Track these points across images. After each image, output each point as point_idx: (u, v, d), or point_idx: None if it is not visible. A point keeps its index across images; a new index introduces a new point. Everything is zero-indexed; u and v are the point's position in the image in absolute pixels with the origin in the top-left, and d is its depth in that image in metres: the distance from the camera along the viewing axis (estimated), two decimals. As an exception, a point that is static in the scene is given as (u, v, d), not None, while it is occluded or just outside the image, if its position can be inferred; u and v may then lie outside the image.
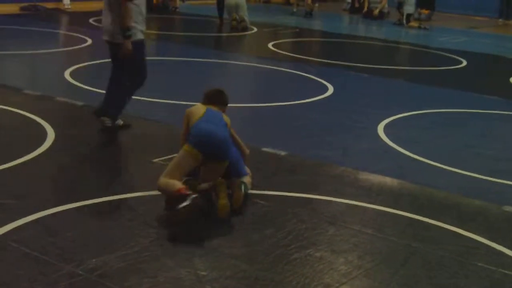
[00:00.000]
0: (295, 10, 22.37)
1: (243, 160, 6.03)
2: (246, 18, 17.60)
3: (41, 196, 5.59)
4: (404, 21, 21.04)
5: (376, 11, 22.48)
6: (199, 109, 5.84)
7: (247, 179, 5.85)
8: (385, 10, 22.81)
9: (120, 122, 7.68)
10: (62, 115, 8.32)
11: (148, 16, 19.95)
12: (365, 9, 22.88)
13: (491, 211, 6.06)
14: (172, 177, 5.47)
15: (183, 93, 8.56)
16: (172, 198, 5.28)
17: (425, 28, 20.56)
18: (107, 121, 7.57)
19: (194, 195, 5.18)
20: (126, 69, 7.53)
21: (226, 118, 5.88)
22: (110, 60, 7.75)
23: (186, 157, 5.57)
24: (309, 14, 21.64)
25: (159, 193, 5.56)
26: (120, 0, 7.23)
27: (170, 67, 12.05)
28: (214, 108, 5.90)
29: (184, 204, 5.10)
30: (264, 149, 7.22)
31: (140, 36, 7.48)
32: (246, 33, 17.26)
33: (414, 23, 21.23)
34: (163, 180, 5.47)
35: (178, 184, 5.38)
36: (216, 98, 6.04)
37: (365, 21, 22.29)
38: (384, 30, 20.44)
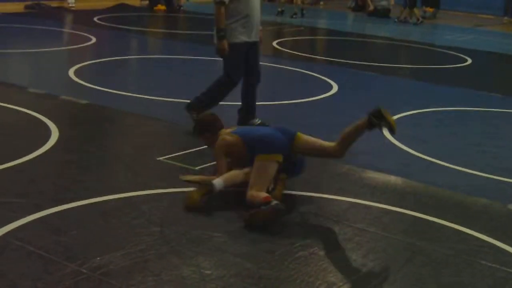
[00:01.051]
0: (279, 9, 21.67)
1: None
2: None
3: (45, 194, 5.59)
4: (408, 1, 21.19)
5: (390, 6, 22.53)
6: (228, 136, 5.96)
7: None
8: (390, 7, 22.77)
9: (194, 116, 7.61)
10: (67, 113, 8.33)
11: (152, 14, 19.85)
12: (371, 7, 22.81)
13: (496, 210, 6.05)
14: (263, 189, 5.56)
15: (187, 91, 8.52)
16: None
17: (421, 23, 21.05)
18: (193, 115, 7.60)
19: (276, 202, 5.32)
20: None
21: None
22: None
23: (274, 164, 5.65)
24: (295, 15, 21.15)
25: (164, 191, 5.57)
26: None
27: (174, 65, 12.06)
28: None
29: (266, 206, 5.25)
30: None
31: (236, 39, 7.53)
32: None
33: (417, 11, 21.35)
34: (255, 193, 5.50)
35: (263, 194, 5.46)
36: (220, 123, 6.20)
37: (369, 19, 22.26)
38: (389, 28, 20.40)
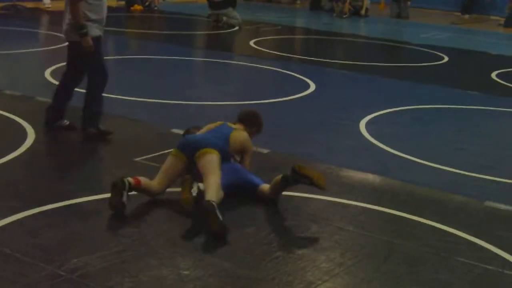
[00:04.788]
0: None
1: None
2: (230, 20, 17.58)
3: (22, 196, 5.55)
4: None
5: (363, 11, 22.41)
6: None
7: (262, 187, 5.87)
8: (368, 6, 22.75)
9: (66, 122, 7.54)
10: (43, 115, 8.25)
11: (128, 15, 19.72)
12: (348, 7, 22.73)
13: (473, 207, 6.09)
14: (159, 181, 5.64)
15: (164, 91, 8.49)
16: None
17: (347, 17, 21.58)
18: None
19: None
20: (86, 67, 7.38)
21: (235, 135, 6.03)
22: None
23: (170, 159, 5.74)
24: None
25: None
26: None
27: (150, 66, 12.00)
28: (234, 126, 6.17)
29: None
30: (246, 147, 7.20)
31: (94, 32, 7.18)
32: (227, 31, 17.24)
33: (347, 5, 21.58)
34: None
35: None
36: (243, 118, 6.38)
37: (345, 18, 22.28)
38: (365, 27, 20.47)
